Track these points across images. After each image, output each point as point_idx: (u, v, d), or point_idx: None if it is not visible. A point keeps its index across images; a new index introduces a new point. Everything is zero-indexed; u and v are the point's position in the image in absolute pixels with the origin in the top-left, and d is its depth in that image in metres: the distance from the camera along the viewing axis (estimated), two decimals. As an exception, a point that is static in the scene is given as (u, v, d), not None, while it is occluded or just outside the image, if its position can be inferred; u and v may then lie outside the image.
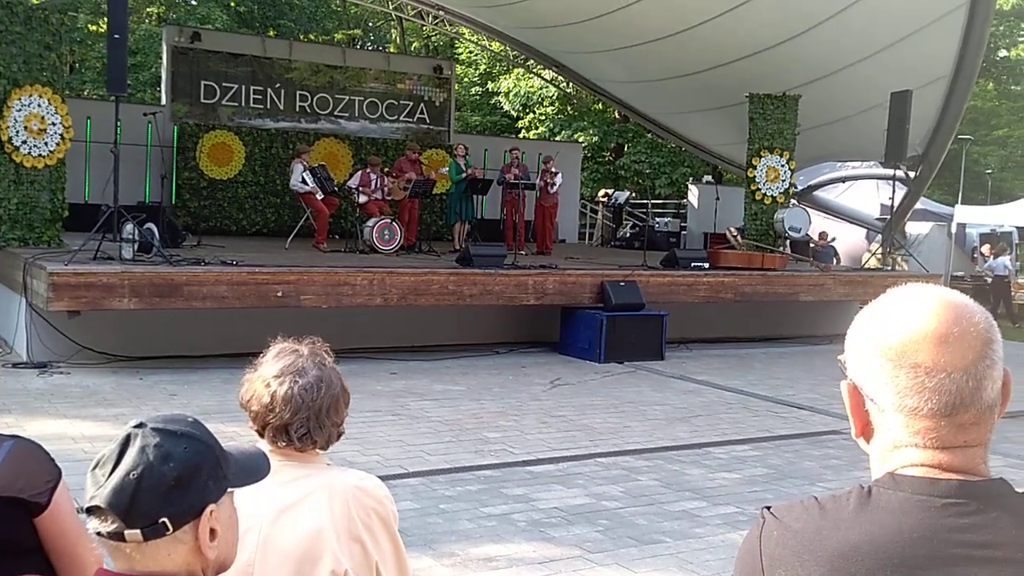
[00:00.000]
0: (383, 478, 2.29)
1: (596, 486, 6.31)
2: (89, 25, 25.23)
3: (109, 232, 10.36)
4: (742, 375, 11.05)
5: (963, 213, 22.16)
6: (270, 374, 1.97)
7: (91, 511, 1.27)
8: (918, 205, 19.04)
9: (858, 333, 1.22)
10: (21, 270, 9.78)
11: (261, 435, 1.98)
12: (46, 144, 11.23)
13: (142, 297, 9.27)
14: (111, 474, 1.26)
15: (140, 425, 1.31)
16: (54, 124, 11.25)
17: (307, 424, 1.94)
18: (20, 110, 11.03)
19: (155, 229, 10.80)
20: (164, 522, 1.27)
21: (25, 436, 1.92)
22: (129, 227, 10.17)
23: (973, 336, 1.14)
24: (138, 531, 1.26)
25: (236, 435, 2.01)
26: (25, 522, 1.83)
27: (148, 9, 27.78)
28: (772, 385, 10.48)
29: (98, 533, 1.27)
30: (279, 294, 9.91)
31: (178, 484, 1.28)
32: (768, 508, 1.24)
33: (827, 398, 9.47)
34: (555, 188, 15.37)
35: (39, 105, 11.16)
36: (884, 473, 1.18)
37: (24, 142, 11.09)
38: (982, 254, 22.47)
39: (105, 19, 15.14)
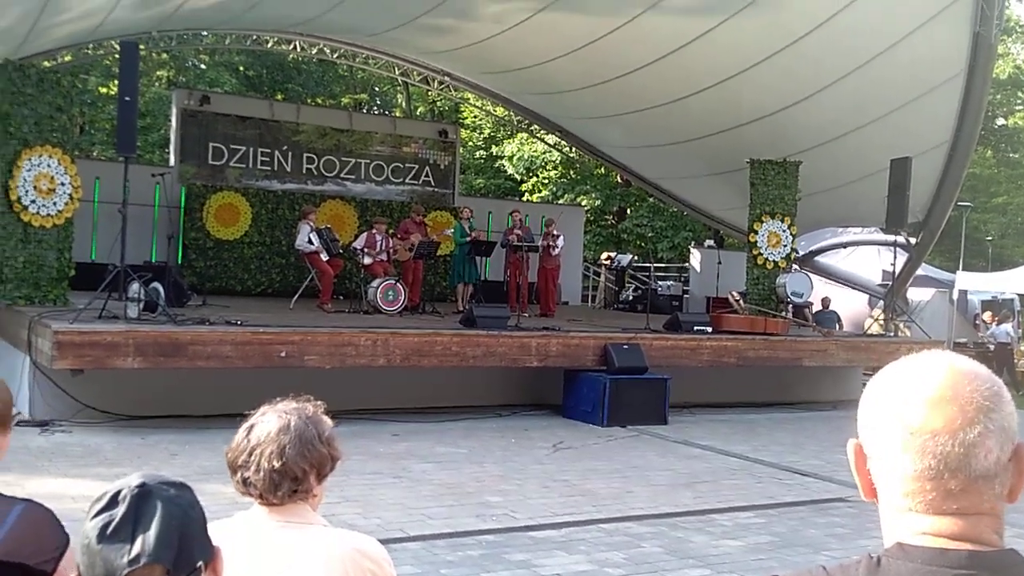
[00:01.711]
0: (384, 541, 2.28)
1: (599, 552, 6.24)
2: (100, 87, 25.62)
3: (115, 291, 10.40)
4: (746, 440, 10.98)
5: (964, 280, 22.21)
6: (247, 426, 2.00)
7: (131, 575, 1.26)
8: (919, 271, 19.11)
9: (867, 393, 1.22)
10: (26, 328, 9.80)
11: (247, 492, 1.98)
12: (54, 204, 11.35)
13: (146, 356, 9.28)
14: (138, 533, 1.26)
15: (142, 484, 1.32)
16: (63, 184, 11.38)
17: (275, 472, 1.92)
18: (30, 170, 11.17)
19: (160, 288, 10.85)
20: (200, 566, 1.31)
21: (35, 500, 1.91)
22: (135, 286, 10.21)
23: (966, 401, 1.12)
24: None
25: (236, 497, 2.01)
26: (27, 589, 1.82)
27: (158, 72, 28.21)
28: (776, 451, 10.41)
29: None
30: (283, 354, 9.91)
31: (203, 528, 1.33)
32: None
33: (832, 464, 9.40)
34: (557, 250, 15.46)
35: (49, 165, 11.30)
36: (894, 543, 1.17)
37: (33, 201, 11.21)
38: (984, 321, 22.48)
39: (116, 81, 15.39)
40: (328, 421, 2.05)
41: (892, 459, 1.15)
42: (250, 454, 1.95)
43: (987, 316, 22.46)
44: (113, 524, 1.28)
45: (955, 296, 21.72)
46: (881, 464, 1.17)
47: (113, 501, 1.30)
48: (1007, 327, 20.32)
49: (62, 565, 1.84)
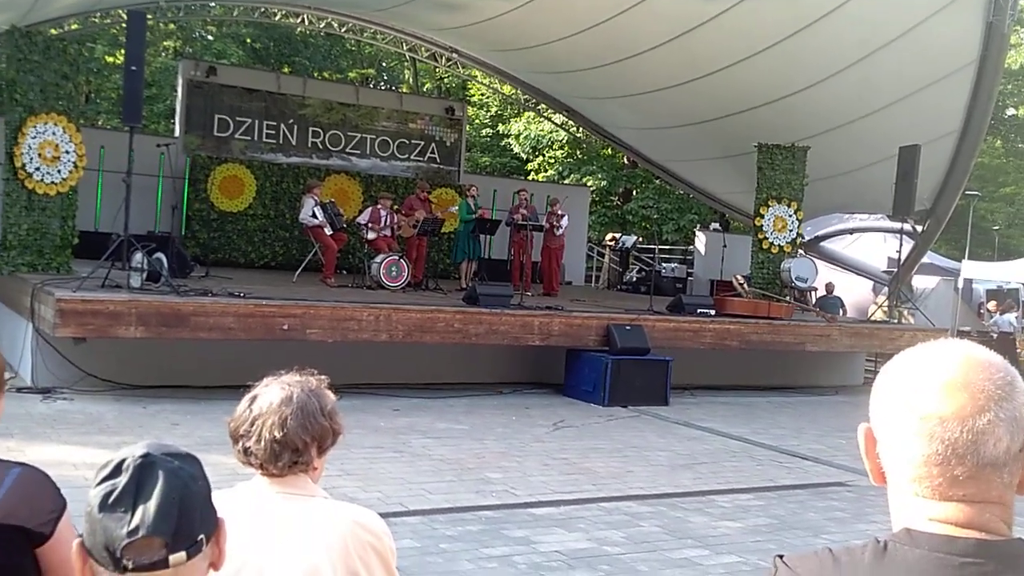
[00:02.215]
0: (384, 515, 2.27)
1: (598, 531, 6.26)
2: (106, 56, 25.51)
3: (118, 260, 10.40)
4: (747, 423, 10.99)
5: (970, 268, 22.17)
6: (250, 396, 2.01)
7: (128, 547, 1.25)
8: (925, 259, 19.06)
9: (880, 379, 1.21)
10: (29, 295, 9.81)
11: (247, 462, 1.98)
12: (59, 172, 11.33)
13: (148, 326, 9.29)
14: (139, 504, 1.25)
15: (146, 454, 1.30)
16: (68, 152, 11.36)
17: (275, 443, 1.92)
18: (35, 137, 11.15)
19: (164, 259, 10.85)
20: (201, 539, 1.29)
21: (32, 464, 1.91)
22: (138, 256, 10.21)
23: (977, 390, 1.11)
24: (183, 553, 1.26)
25: (237, 467, 2.00)
26: (27, 552, 1.81)
27: (165, 43, 28.10)
28: (777, 435, 10.42)
29: (135, 567, 1.25)
30: (285, 327, 9.91)
31: (206, 501, 1.31)
32: (781, 557, 1.22)
33: (832, 449, 9.40)
34: (561, 230, 15.42)
35: (54, 133, 11.27)
36: (901, 528, 1.17)
37: (37, 169, 11.19)
38: (988, 310, 22.45)
39: (122, 51, 15.31)
40: (331, 395, 2.05)
41: (901, 444, 1.15)
42: (252, 424, 1.95)
43: (991, 305, 22.41)
44: (115, 494, 1.27)
45: (960, 284, 21.68)
46: (890, 449, 1.17)
47: (117, 470, 1.29)
48: (1011, 317, 20.27)
49: (60, 527, 1.84)
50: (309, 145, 18.10)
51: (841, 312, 18.07)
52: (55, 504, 1.86)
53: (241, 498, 1.97)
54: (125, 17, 13.62)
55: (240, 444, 1.97)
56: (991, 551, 1.11)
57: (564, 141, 27.63)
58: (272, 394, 1.98)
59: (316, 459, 2.01)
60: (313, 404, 1.99)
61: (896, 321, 16.60)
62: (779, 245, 16.40)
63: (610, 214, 28.75)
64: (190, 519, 1.28)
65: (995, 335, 20.21)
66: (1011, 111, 32.27)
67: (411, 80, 31.59)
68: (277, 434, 1.93)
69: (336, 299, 10.94)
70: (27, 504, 1.81)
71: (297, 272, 13.73)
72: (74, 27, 16.34)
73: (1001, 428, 1.11)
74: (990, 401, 1.11)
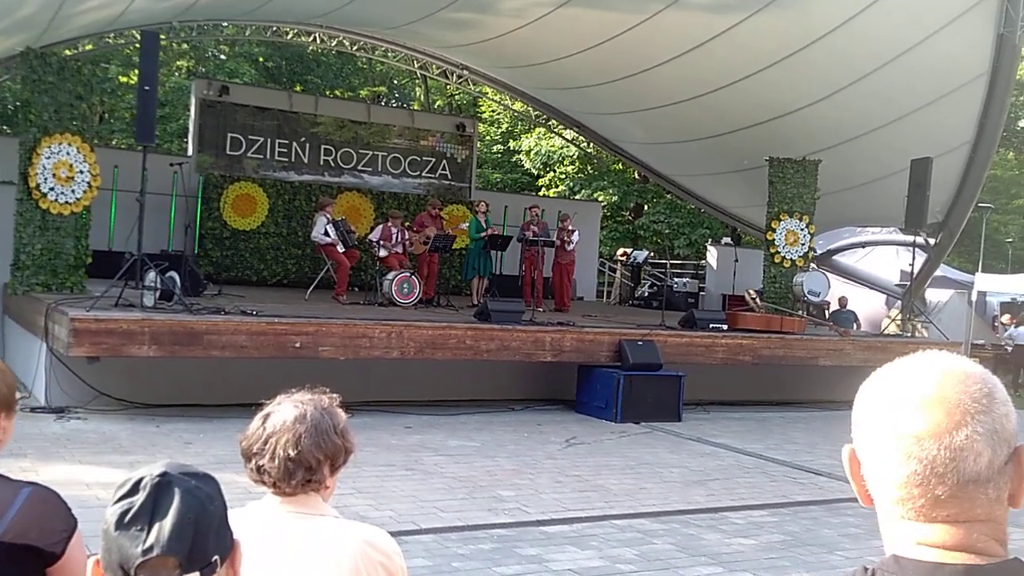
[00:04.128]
0: (395, 534, 2.27)
1: (610, 548, 6.23)
2: (120, 76, 25.71)
3: (132, 279, 10.45)
4: (760, 439, 10.94)
5: (983, 281, 22.06)
6: (263, 414, 2.01)
7: (142, 566, 1.26)
8: (938, 272, 18.98)
9: (859, 397, 1.18)
10: (43, 315, 9.86)
11: (260, 481, 1.98)
12: (73, 192, 11.41)
13: (162, 345, 9.32)
14: (154, 523, 1.26)
15: (164, 473, 1.31)
16: (82, 172, 11.44)
17: (290, 460, 1.93)
18: (49, 158, 11.23)
19: (177, 277, 10.90)
20: (216, 560, 1.30)
21: (43, 484, 1.92)
22: (151, 275, 10.25)
23: (953, 404, 1.07)
24: (196, 574, 1.27)
25: (249, 486, 2.01)
26: (38, 571, 1.83)
27: (178, 62, 28.32)
28: (790, 450, 10.37)
29: None
30: (297, 345, 9.93)
31: (223, 522, 1.32)
32: None
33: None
34: (572, 245, 15.43)
35: (68, 153, 11.35)
36: (889, 555, 1.13)
37: (52, 189, 11.27)
38: (1002, 323, 22.32)
39: (136, 71, 15.45)
40: (343, 414, 2.06)
41: (882, 464, 1.12)
42: (265, 442, 1.96)
43: (1006, 318, 22.28)
44: (132, 512, 1.28)
45: (973, 297, 21.56)
46: (873, 470, 1.14)
47: (134, 488, 1.30)
48: (1025, 329, 20.14)
49: (71, 546, 1.85)
50: (321, 163, 18.18)
51: (854, 326, 17.99)
52: (66, 524, 1.87)
53: (252, 517, 1.97)
54: (139, 37, 13.73)
55: (253, 462, 1.97)
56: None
57: (575, 157, 27.68)
58: (285, 412, 1.99)
59: (328, 478, 2.01)
60: (327, 422, 1.99)
61: (910, 335, 16.51)
62: (791, 259, 16.36)
63: (621, 229, 28.75)
64: (205, 540, 1.28)
65: (1010, 348, 20.10)
66: (1023, 123, 32.17)
67: (422, 97, 31.73)
68: (291, 452, 1.93)
69: (348, 316, 10.95)
70: (38, 524, 1.82)
71: (309, 290, 13.77)
72: (88, 48, 16.50)
73: (980, 443, 1.07)
74: (966, 416, 1.07)
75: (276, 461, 1.94)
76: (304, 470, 1.94)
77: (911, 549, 1.11)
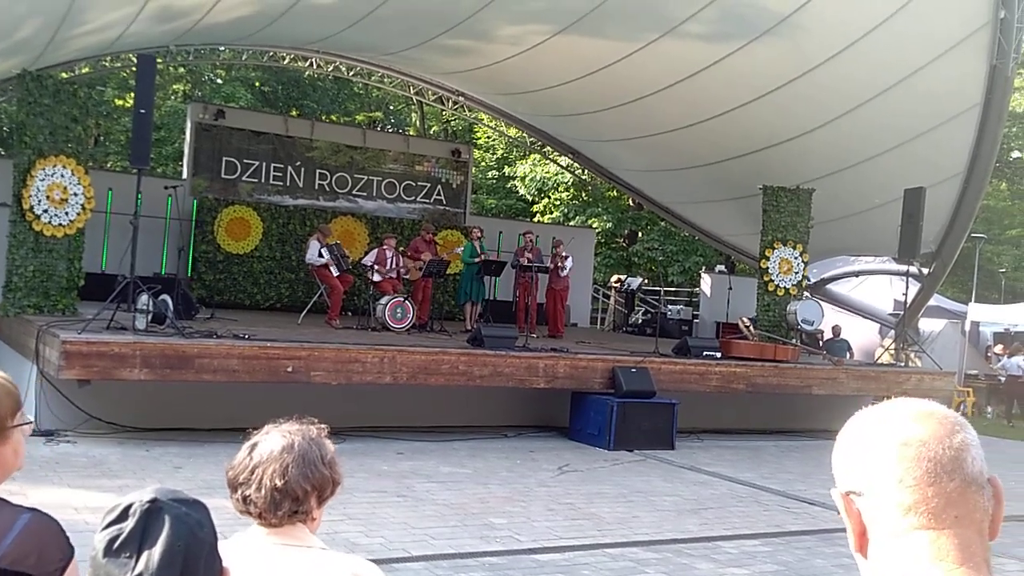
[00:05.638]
0: (386, 561, 2.25)
1: (603, 577, 6.17)
2: (116, 99, 25.78)
3: (124, 302, 10.41)
4: (754, 468, 10.90)
5: (977, 311, 22.10)
6: (250, 444, 1.99)
7: None
8: (931, 302, 19.01)
9: (844, 435, 1.23)
10: (34, 337, 9.81)
11: (246, 511, 1.96)
12: (67, 214, 11.38)
13: (153, 368, 9.27)
14: (144, 550, 1.23)
15: (154, 499, 1.29)
16: (76, 194, 11.42)
17: (276, 491, 1.90)
18: (43, 180, 11.21)
19: (169, 301, 10.86)
20: None
21: (42, 510, 1.89)
22: (144, 298, 10.22)
23: (942, 417, 1.18)
24: None
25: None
26: (32, 599, 1.80)
27: (175, 86, 28.40)
28: (784, 479, 10.32)
29: None
30: (289, 369, 9.89)
31: (212, 550, 1.29)
32: None
33: (839, 494, 9.30)
34: (565, 271, 15.45)
35: (62, 175, 11.34)
36: None
37: (45, 211, 11.24)
38: (996, 353, 22.36)
39: (132, 94, 15.47)
40: (331, 444, 2.03)
41: (888, 478, 1.15)
42: (252, 472, 1.93)
43: (999, 348, 22.33)
44: (120, 539, 1.26)
45: (967, 327, 21.60)
46: (875, 491, 1.16)
47: (123, 514, 1.28)
48: (1019, 360, 20.18)
49: (67, 575, 1.82)
50: (316, 187, 18.21)
51: (848, 355, 18.00)
52: (63, 553, 1.84)
53: (237, 548, 1.94)
54: (135, 61, 13.77)
55: (239, 492, 1.95)
56: None
57: (569, 183, 27.76)
58: (273, 442, 1.97)
59: (315, 509, 1.99)
60: (314, 452, 1.97)
61: (903, 364, 16.51)
62: (785, 288, 16.38)
63: (615, 256, 28.79)
64: (195, 567, 1.26)
65: (1003, 378, 20.12)
66: (1016, 154, 32.36)
67: (418, 123, 31.84)
68: (278, 482, 1.91)
69: (341, 341, 10.92)
70: (36, 552, 1.80)
71: (302, 314, 13.74)
72: (85, 71, 16.54)
73: (973, 449, 1.16)
74: (956, 425, 1.17)
75: (263, 491, 1.91)
76: (291, 501, 1.92)
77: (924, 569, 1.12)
